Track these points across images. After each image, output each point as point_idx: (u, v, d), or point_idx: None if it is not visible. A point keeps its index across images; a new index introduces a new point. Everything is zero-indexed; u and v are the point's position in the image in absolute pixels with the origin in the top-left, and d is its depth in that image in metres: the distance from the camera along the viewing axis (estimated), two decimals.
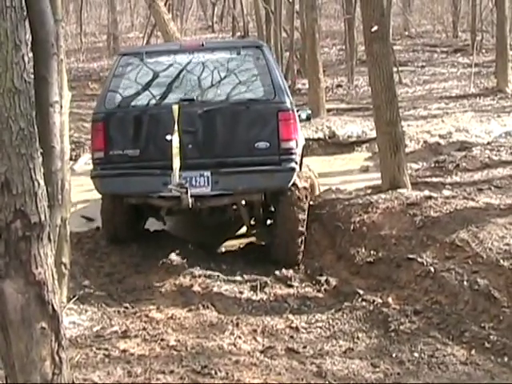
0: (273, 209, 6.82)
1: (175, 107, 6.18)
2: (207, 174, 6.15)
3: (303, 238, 6.58)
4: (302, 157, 7.37)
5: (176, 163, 6.03)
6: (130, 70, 6.64)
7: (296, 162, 6.29)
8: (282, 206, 6.48)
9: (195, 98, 6.41)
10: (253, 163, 6.14)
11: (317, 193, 8.99)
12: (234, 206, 7.00)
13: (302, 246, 6.60)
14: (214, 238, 7.77)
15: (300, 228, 6.49)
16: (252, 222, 7.20)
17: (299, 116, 7.96)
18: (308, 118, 7.96)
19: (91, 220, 7.75)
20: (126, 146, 6.30)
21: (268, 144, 6.17)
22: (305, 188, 6.59)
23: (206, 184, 6.16)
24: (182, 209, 6.34)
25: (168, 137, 6.13)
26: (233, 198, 6.46)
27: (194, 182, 6.13)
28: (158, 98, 6.51)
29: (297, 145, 6.36)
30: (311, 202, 7.44)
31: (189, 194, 5.99)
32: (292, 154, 6.24)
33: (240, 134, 6.30)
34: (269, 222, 7.07)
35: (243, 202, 6.75)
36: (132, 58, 6.76)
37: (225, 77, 6.60)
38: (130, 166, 6.27)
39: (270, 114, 6.23)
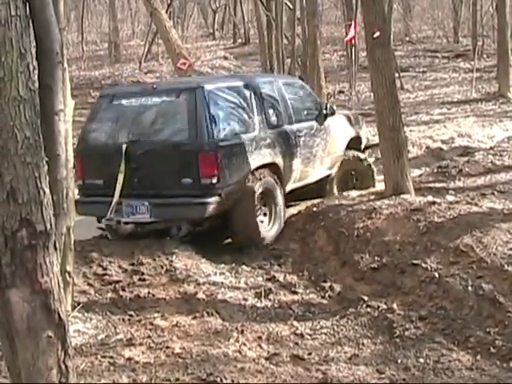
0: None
1: (124, 146, 7.21)
2: (146, 203, 7.17)
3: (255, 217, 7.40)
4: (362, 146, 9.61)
5: (116, 197, 7.10)
6: (102, 110, 7.71)
7: (219, 195, 7.01)
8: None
9: (139, 139, 7.35)
10: (180, 196, 7.05)
11: (370, 183, 9.20)
12: None
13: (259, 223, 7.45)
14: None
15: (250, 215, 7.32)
16: None
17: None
18: (332, 113, 8.98)
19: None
20: (94, 177, 7.52)
21: (191, 180, 7.01)
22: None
23: (146, 212, 7.19)
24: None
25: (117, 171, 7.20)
26: (166, 223, 7.55)
27: (137, 210, 7.20)
28: (115, 137, 7.53)
29: (218, 180, 7.02)
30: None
31: (121, 224, 7.36)
32: (212, 188, 6.99)
33: (170, 171, 7.18)
34: None
35: None
36: (105, 100, 7.75)
37: (164, 119, 7.50)
38: (97, 193, 7.45)
39: (191, 155, 7.03)
